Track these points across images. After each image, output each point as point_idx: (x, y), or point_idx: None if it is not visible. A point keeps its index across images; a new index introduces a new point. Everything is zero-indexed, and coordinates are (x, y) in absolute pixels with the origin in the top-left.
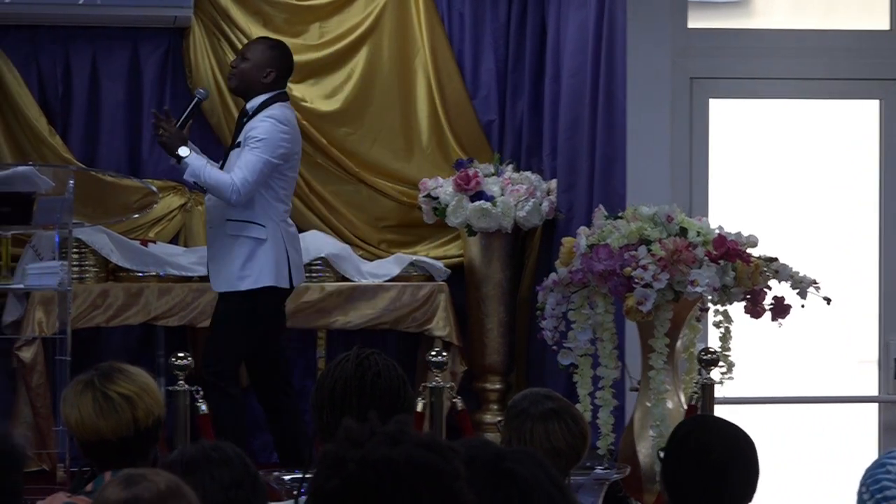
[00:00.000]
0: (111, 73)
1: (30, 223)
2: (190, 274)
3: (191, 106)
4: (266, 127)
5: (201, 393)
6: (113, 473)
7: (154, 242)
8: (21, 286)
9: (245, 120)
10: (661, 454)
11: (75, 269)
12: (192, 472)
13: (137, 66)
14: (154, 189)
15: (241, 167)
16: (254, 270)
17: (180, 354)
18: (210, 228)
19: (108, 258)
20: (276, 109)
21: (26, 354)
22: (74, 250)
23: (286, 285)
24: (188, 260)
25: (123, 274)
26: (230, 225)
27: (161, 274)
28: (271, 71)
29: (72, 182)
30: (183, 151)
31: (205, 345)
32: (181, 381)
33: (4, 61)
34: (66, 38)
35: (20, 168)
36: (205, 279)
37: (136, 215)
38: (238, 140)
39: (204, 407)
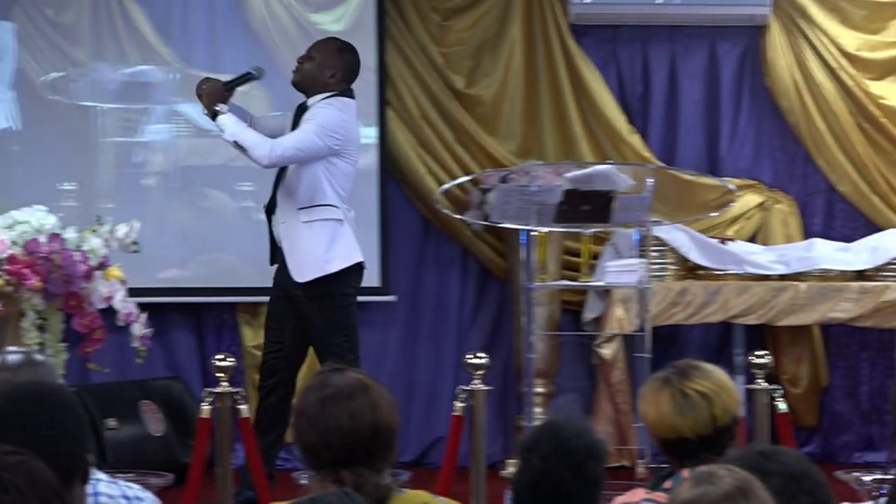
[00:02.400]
0: (689, 72)
1: (609, 221)
2: (768, 272)
3: (241, 74)
4: (326, 111)
5: (778, 393)
6: (690, 471)
7: (732, 240)
8: (601, 283)
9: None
10: None
11: (655, 266)
12: None
13: (715, 65)
14: (732, 187)
15: (287, 136)
16: (339, 251)
17: (759, 353)
18: (282, 223)
19: (686, 256)
20: (341, 100)
21: (607, 351)
22: (653, 248)
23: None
24: (766, 258)
25: (702, 272)
26: (303, 213)
27: (740, 272)
28: (335, 72)
29: (651, 180)
30: (220, 108)
31: (318, 352)
32: (760, 380)
33: (584, 61)
34: (645, 38)
35: (600, 167)
36: (786, 277)
37: (714, 213)
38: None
39: (783, 407)
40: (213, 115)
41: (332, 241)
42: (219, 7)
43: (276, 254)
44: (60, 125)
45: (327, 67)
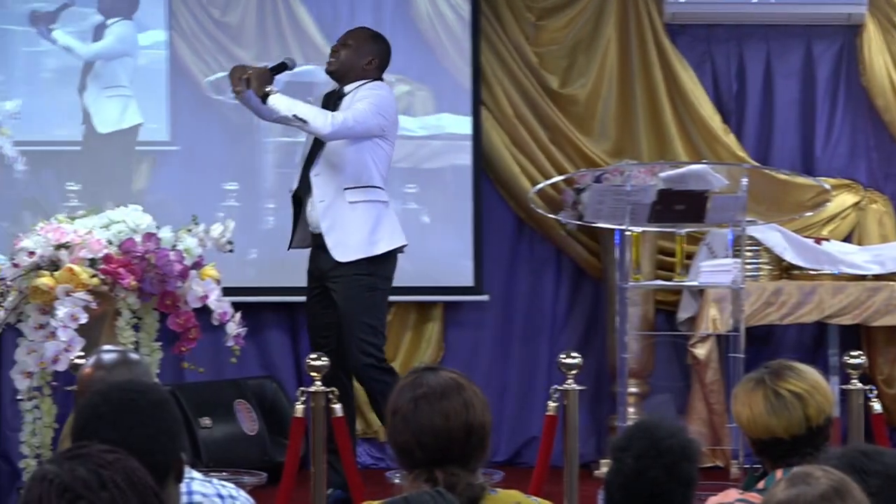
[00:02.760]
0: (785, 71)
1: (703, 221)
2: (864, 272)
3: (279, 63)
4: (376, 92)
5: (873, 393)
6: (784, 472)
7: (827, 240)
8: (695, 283)
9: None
10: None
11: (749, 266)
12: None
13: (811, 64)
14: (827, 187)
15: (350, 110)
16: (385, 233)
17: (854, 353)
18: (321, 202)
19: (781, 256)
20: (386, 85)
21: (701, 351)
22: (748, 248)
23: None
24: (862, 258)
25: (797, 272)
26: (349, 193)
27: (835, 272)
28: (373, 59)
29: (745, 180)
30: (270, 89)
31: (348, 329)
32: (855, 380)
33: (679, 60)
34: (740, 37)
35: (694, 166)
36: (881, 277)
37: (810, 213)
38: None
39: (878, 407)
40: (265, 97)
41: (378, 222)
42: (385, 5)
43: (298, 237)
44: (223, 125)
45: (365, 55)
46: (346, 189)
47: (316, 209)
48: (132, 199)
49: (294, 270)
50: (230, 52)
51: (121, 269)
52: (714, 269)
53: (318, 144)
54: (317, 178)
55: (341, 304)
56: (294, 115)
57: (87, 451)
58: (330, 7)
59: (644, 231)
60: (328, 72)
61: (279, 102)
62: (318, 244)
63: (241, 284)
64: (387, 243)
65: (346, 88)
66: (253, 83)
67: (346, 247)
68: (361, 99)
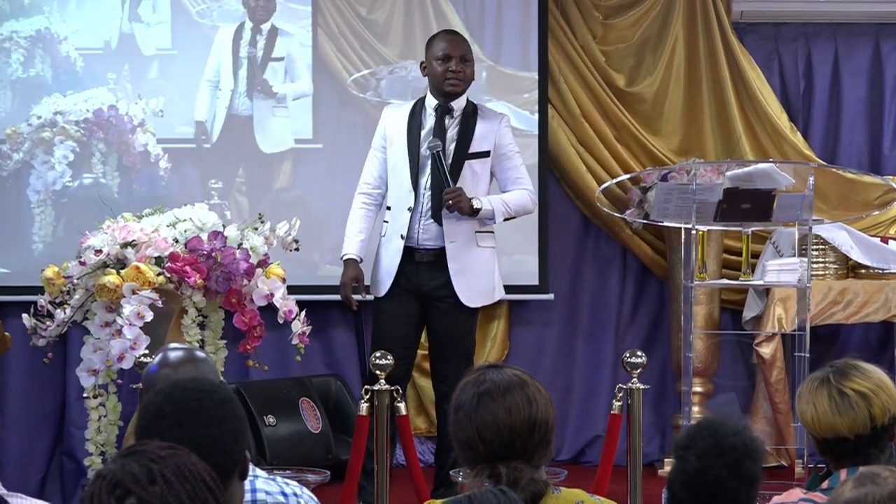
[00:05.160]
0: (853, 69)
1: (770, 219)
2: None
3: (440, 161)
4: (512, 134)
5: None
6: (848, 471)
7: (895, 240)
8: (761, 282)
9: (450, 119)
10: None
11: (815, 265)
12: None
13: (879, 62)
14: (895, 186)
15: (525, 177)
16: (498, 279)
17: None
18: (451, 243)
19: (847, 255)
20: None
21: (766, 350)
22: (814, 247)
23: None
24: None
25: (863, 271)
26: (479, 237)
27: None
28: None
29: (812, 179)
30: (476, 203)
31: (462, 349)
32: None
33: (747, 58)
34: (807, 35)
35: (761, 165)
36: None
37: (877, 212)
38: (479, 149)
39: None
40: (476, 213)
41: (496, 268)
42: (531, 4)
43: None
44: (366, 122)
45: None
46: (476, 233)
47: (448, 248)
48: (273, 196)
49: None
50: (375, 50)
51: (187, 268)
52: (780, 268)
53: (447, 178)
54: (450, 216)
55: (451, 330)
56: (508, 217)
57: (144, 447)
58: (477, 6)
59: (710, 230)
60: (457, 93)
61: (493, 213)
62: (440, 275)
63: (306, 283)
64: (500, 290)
65: (456, 104)
66: (464, 209)
67: (475, 293)
68: (513, 153)
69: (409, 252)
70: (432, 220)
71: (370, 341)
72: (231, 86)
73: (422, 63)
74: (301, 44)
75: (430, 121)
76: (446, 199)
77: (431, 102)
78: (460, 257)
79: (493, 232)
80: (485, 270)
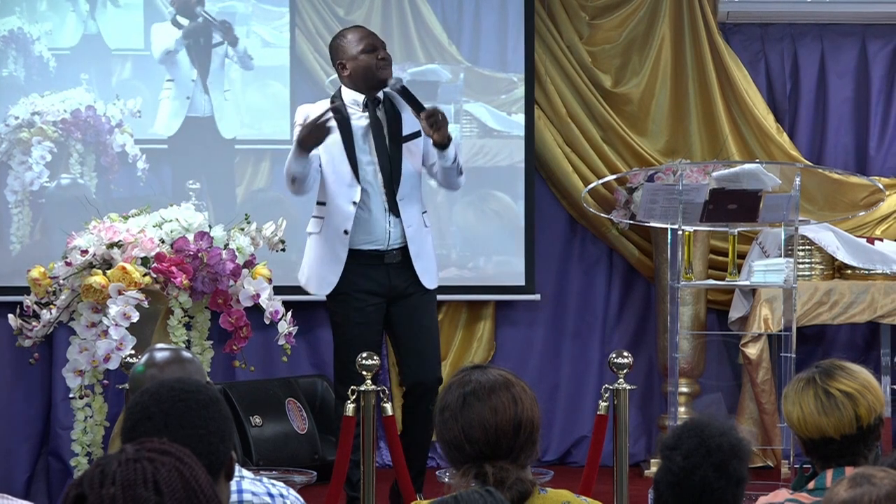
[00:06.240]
0: (839, 70)
1: (756, 220)
2: None
3: (404, 94)
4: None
5: None
6: (834, 472)
7: (881, 240)
8: (747, 283)
9: (380, 105)
10: None
11: (802, 266)
12: None
13: (865, 62)
14: (881, 186)
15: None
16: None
17: None
18: (409, 227)
19: (833, 255)
20: None
21: (752, 351)
22: (801, 248)
23: None
24: None
25: (849, 271)
26: (425, 217)
27: (888, 272)
28: None
29: (798, 179)
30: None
31: (431, 347)
32: None
33: (733, 59)
34: (794, 35)
35: (747, 166)
36: None
37: (863, 212)
38: (412, 130)
39: None
40: (449, 141)
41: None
42: (511, 6)
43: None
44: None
45: None
46: (423, 213)
47: (406, 232)
48: (251, 196)
49: None
50: None
51: (173, 268)
52: (766, 269)
53: (397, 165)
54: (402, 202)
55: (426, 323)
56: (455, 162)
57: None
58: (455, 7)
59: (696, 230)
60: (385, 79)
61: (455, 145)
62: (401, 263)
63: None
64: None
65: (380, 94)
66: (445, 130)
67: (431, 273)
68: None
69: (379, 256)
70: (396, 218)
71: (342, 347)
72: (201, 87)
73: (339, 64)
74: (264, 41)
75: (359, 117)
76: (436, 115)
77: (358, 98)
78: (417, 240)
79: (427, 211)
80: (432, 252)
